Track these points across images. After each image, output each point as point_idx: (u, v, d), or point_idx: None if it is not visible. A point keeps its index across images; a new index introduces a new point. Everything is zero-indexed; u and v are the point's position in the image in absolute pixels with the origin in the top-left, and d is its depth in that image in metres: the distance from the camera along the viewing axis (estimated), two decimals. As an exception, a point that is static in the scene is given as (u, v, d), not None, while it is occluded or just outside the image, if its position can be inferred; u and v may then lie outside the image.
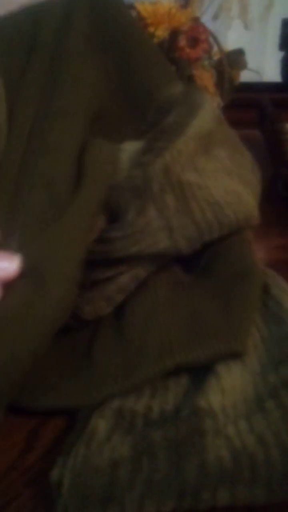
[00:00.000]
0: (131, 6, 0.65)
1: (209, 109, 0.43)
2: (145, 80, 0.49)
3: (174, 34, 0.64)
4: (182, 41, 0.63)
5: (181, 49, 0.63)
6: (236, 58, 0.72)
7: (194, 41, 0.64)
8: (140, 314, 0.36)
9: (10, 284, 0.32)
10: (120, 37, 0.49)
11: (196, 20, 0.66)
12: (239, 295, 0.37)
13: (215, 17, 0.85)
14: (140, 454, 0.27)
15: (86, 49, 0.48)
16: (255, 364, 0.33)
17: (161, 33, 0.63)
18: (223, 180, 0.41)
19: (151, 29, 0.63)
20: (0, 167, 0.40)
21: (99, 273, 0.37)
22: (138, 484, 0.26)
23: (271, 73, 0.95)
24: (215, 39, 0.67)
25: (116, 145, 0.44)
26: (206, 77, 0.65)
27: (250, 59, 0.76)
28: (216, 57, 0.69)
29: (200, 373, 0.33)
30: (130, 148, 0.44)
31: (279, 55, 0.82)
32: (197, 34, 0.64)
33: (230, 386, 0.31)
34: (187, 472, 0.26)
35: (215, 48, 0.68)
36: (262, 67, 1.04)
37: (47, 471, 0.28)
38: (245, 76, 0.77)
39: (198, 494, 0.25)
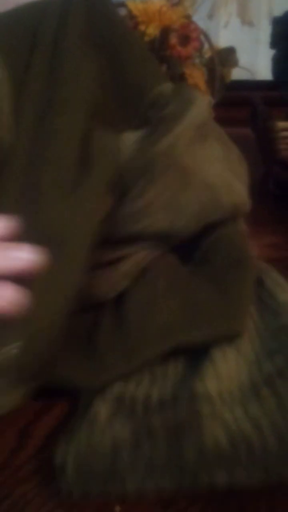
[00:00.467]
0: (122, 4, 0.65)
1: (202, 103, 0.45)
2: (136, 77, 0.50)
3: (165, 32, 0.64)
4: (173, 39, 0.63)
5: (172, 47, 0.63)
6: (228, 56, 0.72)
7: (185, 39, 0.64)
8: (140, 300, 0.37)
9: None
10: (113, 36, 0.50)
11: (187, 18, 0.66)
12: (235, 280, 0.38)
13: (210, 16, 0.85)
14: (140, 437, 0.28)
15: (83, 45, 0.49)
16: (250, 353, 0.34)
17: (152, 31, 0.63)
18: (216, 167, 0.43)
19: (142, 27, 0.63)
20: (10, 155, 0.41)
21: (104, 256, 0.38)
22: (139, 465, 0.27)
23: (263, 71, 0.95)
24: (206, 37, 0.67)
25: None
26: (197, 75, 0.65)
27: (242, 57, 0.76)
28: (207, 55, 0.69)
29: (197, 361, 0.33)
30: (130, 136, 0.45)
31: (271, 53, 0.82)
32: (188, 32, 0.64)
33: (226, 373, 0.32)
34: (185, 454, 0.27)
35: (206, 46, 0.68)
36: (254, 65, 1.04)
37: (39, 469, 0.28)
38: (237, 74, 0.77)
39: (197, 475, 0.27)
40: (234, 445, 0.27)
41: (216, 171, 0.42)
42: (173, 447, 0.27)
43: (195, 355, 0.34)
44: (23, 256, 0.30)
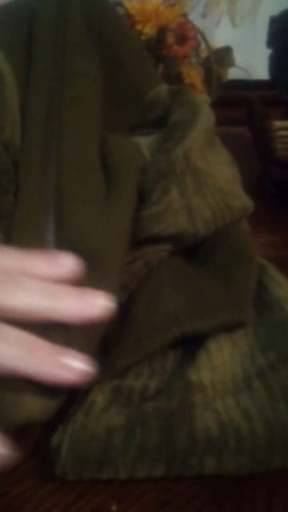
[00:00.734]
0: (119, 4, 0.65)
1: (208, 109, 0.46)
2: (134, 77, 0.51)
3: (162, 31, 0.64)
4: (170, 39, 0.64)
5: (169, 47, 0.63)
6: (224, 56, 0.72)
7: (182, 39, 0.64)
8: (145, 293, 0.37)
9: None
10: (111, 33, 0.51)
11: (184, 18, 0.66)
12: (238, 274, 0.39)
13: (204, 15, 0.85)
14: (133, 423, 0.29)
15: (85, 42, 0.49)
16: (244, 347, 0.34)
17: (149, 30, 0.63)
18: (225, 171, 0.44)
19: (139, 27, 0.63)
20: (21, 152, 0.40)
21: None
22: (131, 449, 0.28)
23: (259, 71, 0.95)
24: (203, 36, 0.67)
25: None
26: (194, 75, 0.65)
27: (238, 57, 0.76)
28: (204, 54, 0.69)
29: (195, 354, 0.34)
30: (145, 141, 0.46)
31: (267, 52, 0.82)
32: (185, 32, 0.64)
33: (220, 364, 0.33)
34: (176, 440, 0.28)
35: (203, 46, 0.68)
36: (250, 64, 1.04)
37: (36, 468, 0.28)
38: (233, 74, 0.77)
39: (187, 461, 0.27)
40: (224, 433, 0.28)
41: (224, 175, 0.43)
42: (164, 434, 0.28)
43: (194, 349, 0.34)
44: (99, 304, 0.30)
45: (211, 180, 0.41)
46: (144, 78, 0.51)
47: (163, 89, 0.50)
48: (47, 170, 0.39)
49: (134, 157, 0.42)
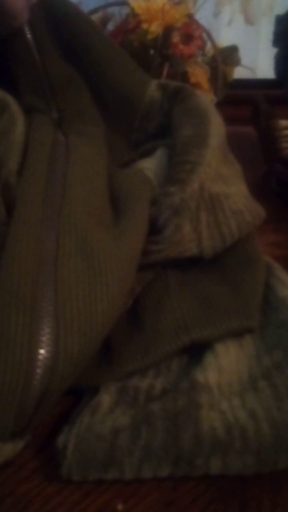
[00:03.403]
0: (125, 3, 0.65)
1: (216, 114, 0.45)
2: (122, 85, 0.49)
3: (168, 30, 0.64)
4: (176, 38, 0.63)
5: (175, 46, 0.63)
6: (230, 55, 0.72)
7: (188, 38, 0.64)
8: (152, 297, 0.37)
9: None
10: (83, 40, 0.49)
11: (190, 17, 0.66)
12: (246, 278, 0.38)
13: (216, 14, 0.85)
14: (139, 423, 0.29)
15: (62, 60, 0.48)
16: (251, 348, 0.34)
17: (155, 29, 0.63)
18: (240, 185, 0.43)
19: (144, 26, 0.63)
20: (23, 183, 0.38)
21: None
22: (136, 450, 0.28)
23: (265, 70, 0.95)
24: (209, 35, 0.67)
25: (132, 165, 0.45)
26: (199, 74, 0.65)
27: (244, 56, 0.76)
28: (210, 53, 0.69)
29: (201, 355, 0.34)
30: (149, 165, 0.44)
31: (273, 51, 0.82)
32: (191, 31, 0.64)
33: (227, 366, 0.32)
34: (182, 440, 0.28)
35: (209, 45, 0.68)
36: (256, 63, 1.04)
37: (41, 468, 0.29)
38: (239, 73, 0.77)
39: (193, 461, 0.27)
40: (230, 434, 0.28)
41: (241, 191, 0.42)
42: (170, 434, 0.28)
43: (200, 349, 0.34)
44: None
45: (228, 202, 0.40)
46: (132, 82, 0.49)
47: (154, 90, 0.48)
48: (51, 199, 0.36)
49: (142, 188, 0.40)
